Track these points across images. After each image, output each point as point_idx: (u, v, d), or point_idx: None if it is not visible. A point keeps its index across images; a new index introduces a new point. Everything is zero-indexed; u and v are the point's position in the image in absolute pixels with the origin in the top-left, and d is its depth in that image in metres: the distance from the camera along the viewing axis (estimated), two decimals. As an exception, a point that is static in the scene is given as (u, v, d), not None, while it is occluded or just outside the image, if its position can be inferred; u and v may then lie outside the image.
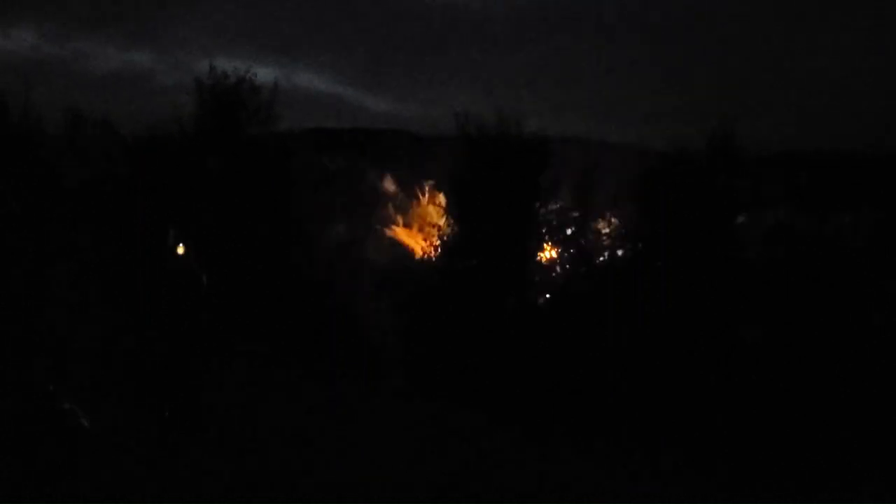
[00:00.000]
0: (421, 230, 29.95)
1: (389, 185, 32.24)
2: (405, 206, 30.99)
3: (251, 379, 14.54)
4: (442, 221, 25.79)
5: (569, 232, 23.56)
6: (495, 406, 17.04)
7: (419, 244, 30.02)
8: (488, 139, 23.79)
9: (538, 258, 24.15)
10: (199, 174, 22.40)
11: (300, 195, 24.70)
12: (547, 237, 23.61)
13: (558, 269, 23.61)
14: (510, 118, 24.49)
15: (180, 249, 9.69)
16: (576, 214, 24.11)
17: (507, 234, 22.99)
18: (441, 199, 29.29)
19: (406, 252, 29.91)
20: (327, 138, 30.41)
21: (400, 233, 31.91)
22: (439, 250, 25.17)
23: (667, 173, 22.64)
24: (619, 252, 23.54)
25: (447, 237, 24.76)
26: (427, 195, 30.52)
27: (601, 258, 23.85)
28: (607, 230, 24.47)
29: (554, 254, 25.03)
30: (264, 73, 23.80)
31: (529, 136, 23.96)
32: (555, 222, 23.63)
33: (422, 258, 27.56)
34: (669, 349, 19.34)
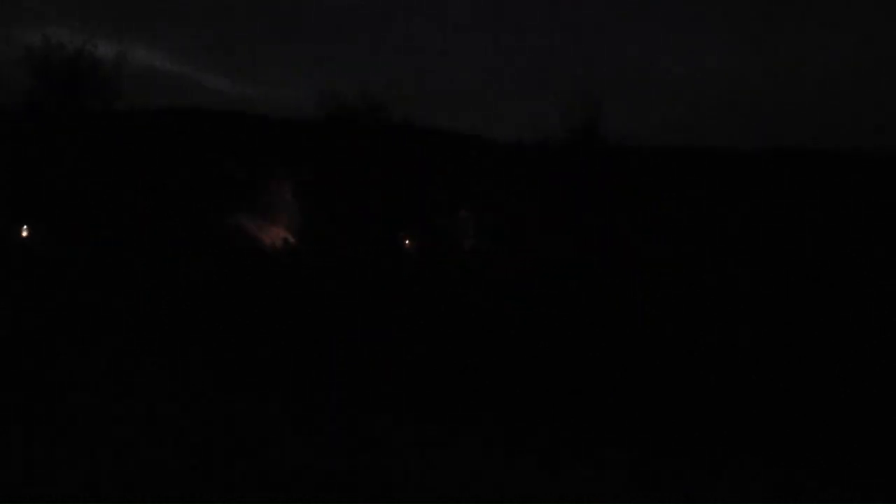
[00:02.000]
0: (271, 219, 28.86)
1: (237, 168, 30.82)
2: (255, 193, 29.60)
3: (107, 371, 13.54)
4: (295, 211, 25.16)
5: (437, 221, 23.62)
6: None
7: (270, 235, 28.96)
8: (356, 122, 23.48)
9: (405, 245, 24.08)
10: (39, 152, 20.56)
11: (147, 177, 23.23)
12: (416, 224, 23.54)
13: (424, 257, 23.60)
14: (378, 102, 24.29)
15: (24, 232, 8.67)
16: (443, 203, 24.38)
17: (375, 221, 22.74)
18: (290, 185, 28.32)
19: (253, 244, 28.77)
20: (173, 118, 28.62)
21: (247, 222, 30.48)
22: (293, 242, 24.49)
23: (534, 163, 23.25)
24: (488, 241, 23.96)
25: (304, 228, 24.20)
26: (278, 180, 29.35)
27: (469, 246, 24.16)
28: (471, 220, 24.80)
29: (414, 241, 25.02)
30: (102, 50, 21.90)
31: (399, 122, 23.91)
32: (424, 210, 23.69)
33: (274, 250, 26.71)
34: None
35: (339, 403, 14.62)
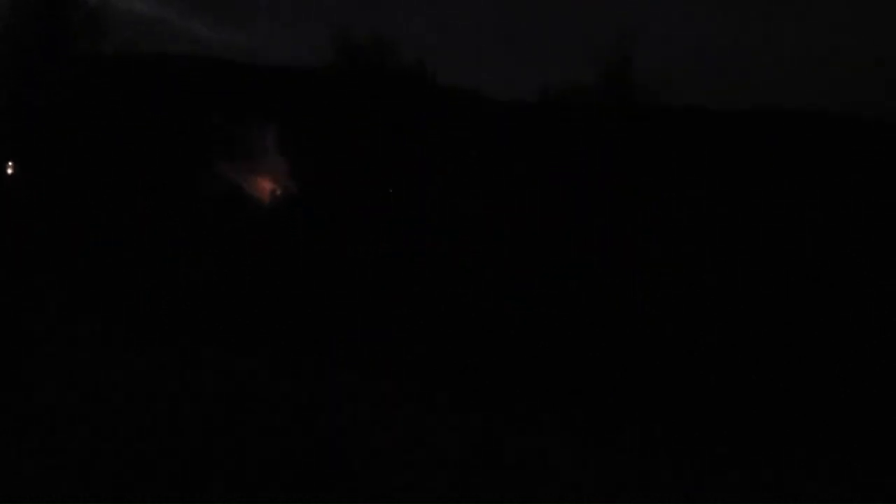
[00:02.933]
0: (257, 170, 28.70)
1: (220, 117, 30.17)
2: (239, 142, 29.20)
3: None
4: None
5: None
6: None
7: (255, 185, 28.85)
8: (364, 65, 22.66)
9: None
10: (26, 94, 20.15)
11: (126, 124, 22.99)
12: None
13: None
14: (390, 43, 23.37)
15: (9, 169, 8.69)
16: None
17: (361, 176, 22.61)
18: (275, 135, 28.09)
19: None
20: (154, 64, 27.95)
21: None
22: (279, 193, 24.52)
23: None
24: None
25: (292, 179, 24.15)
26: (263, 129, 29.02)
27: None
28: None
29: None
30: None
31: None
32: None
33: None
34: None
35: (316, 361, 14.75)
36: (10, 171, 7.97)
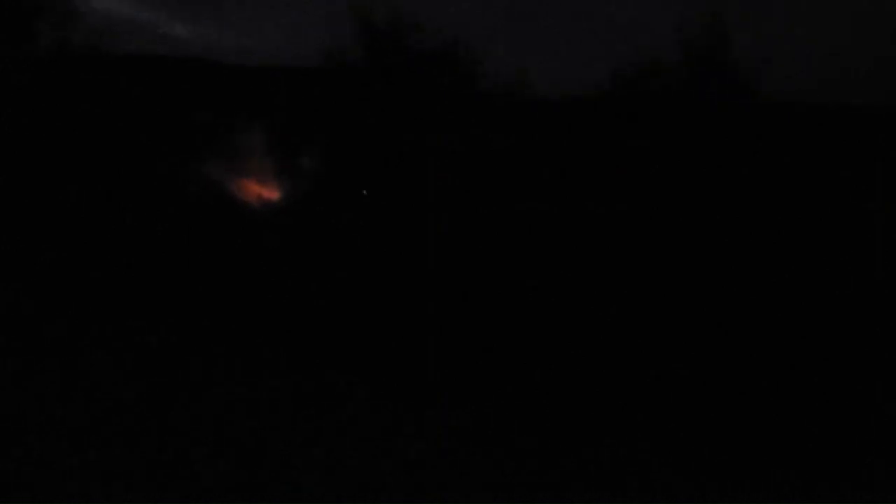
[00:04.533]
0: (243, 172, 28.16)
1: (205, 119, 29.66)
2: (224, 144, 28.74)
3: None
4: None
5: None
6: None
7: (240, 188, 28.31)
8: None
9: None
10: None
11: (106, 127, 22.48)
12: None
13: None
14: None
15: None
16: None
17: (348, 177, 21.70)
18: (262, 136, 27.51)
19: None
20: (134, 66, 27.68)
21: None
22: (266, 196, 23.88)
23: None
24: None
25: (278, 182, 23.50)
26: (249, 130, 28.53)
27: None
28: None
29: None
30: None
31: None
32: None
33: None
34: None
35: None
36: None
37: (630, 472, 11.92)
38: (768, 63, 18.87)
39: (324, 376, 14.21)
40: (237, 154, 27.59)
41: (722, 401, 15.70)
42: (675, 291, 18.02)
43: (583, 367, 16.16)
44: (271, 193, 26.97)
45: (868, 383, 16.63)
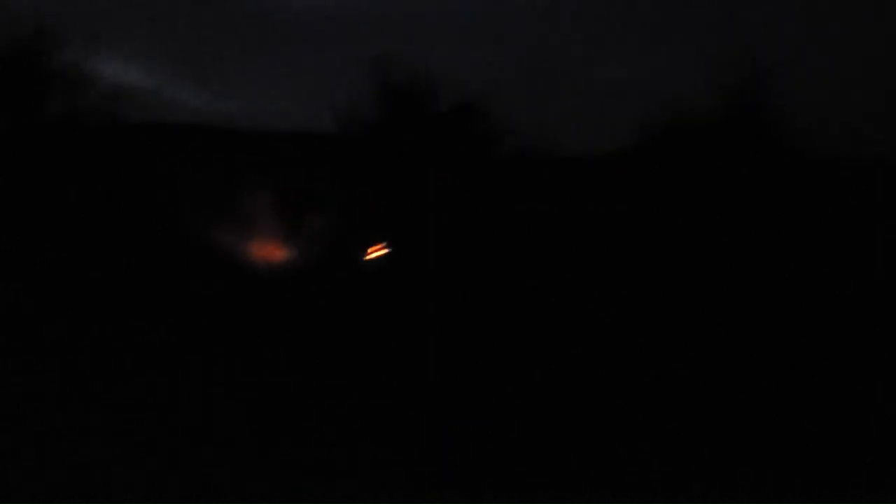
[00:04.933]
0: (254, 235, 27.82)
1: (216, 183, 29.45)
2: (236, 208, 28.45)
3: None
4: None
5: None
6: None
7: (252, 251, 27.92)
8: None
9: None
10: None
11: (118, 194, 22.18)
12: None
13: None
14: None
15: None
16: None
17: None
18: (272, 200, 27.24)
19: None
20: (145, 133, 27.51)
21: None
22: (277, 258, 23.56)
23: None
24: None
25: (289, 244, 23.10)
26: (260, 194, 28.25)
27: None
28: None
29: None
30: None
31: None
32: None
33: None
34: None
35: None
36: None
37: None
38: (805, 114, 18.41)
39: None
40: (247, 217, 27.29)
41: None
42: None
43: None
44: (282, 256, 26.60)
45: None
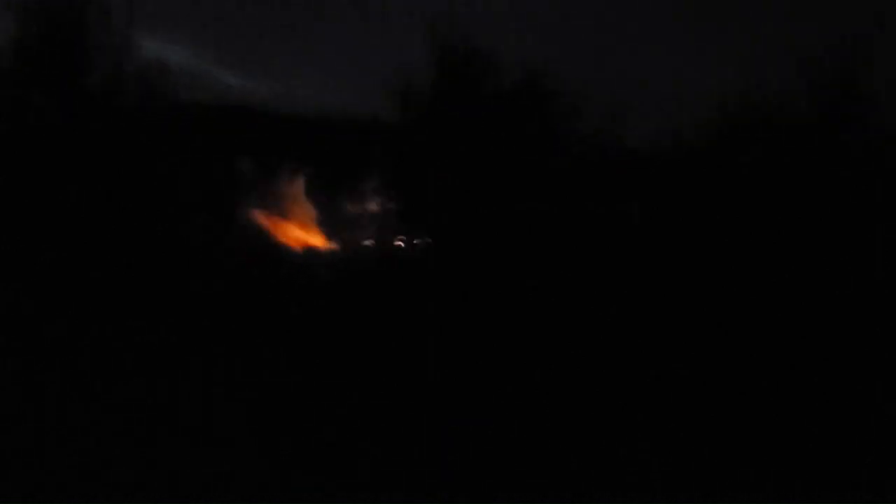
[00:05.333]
0: (286, 216, 27.96)
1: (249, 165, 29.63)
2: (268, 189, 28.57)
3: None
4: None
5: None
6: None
7: (284, 233, 28.09)
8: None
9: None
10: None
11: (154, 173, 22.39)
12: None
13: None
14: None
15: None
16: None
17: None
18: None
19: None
20: (183, 113, 27.69)
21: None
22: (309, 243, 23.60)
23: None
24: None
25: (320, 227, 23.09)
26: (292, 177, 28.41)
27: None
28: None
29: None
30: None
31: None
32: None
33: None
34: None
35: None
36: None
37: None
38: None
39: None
40: (284, 199, 27.45)
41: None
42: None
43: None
44: (319, 240, 26.73)
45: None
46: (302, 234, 28.47)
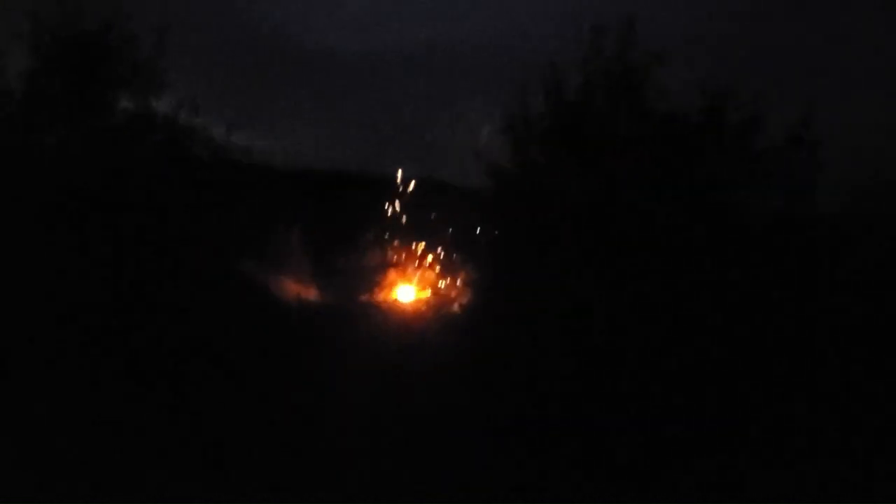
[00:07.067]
0: (281, 270, 28.35)
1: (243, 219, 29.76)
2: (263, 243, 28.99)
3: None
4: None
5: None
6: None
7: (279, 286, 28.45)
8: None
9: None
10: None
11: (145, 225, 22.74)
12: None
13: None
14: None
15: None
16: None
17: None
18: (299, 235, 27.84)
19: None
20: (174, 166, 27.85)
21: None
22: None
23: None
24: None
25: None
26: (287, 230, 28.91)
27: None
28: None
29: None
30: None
31: None
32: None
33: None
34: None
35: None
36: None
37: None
38: None
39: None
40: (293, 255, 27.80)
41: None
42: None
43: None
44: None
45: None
46: (296, 285, 28.82)
